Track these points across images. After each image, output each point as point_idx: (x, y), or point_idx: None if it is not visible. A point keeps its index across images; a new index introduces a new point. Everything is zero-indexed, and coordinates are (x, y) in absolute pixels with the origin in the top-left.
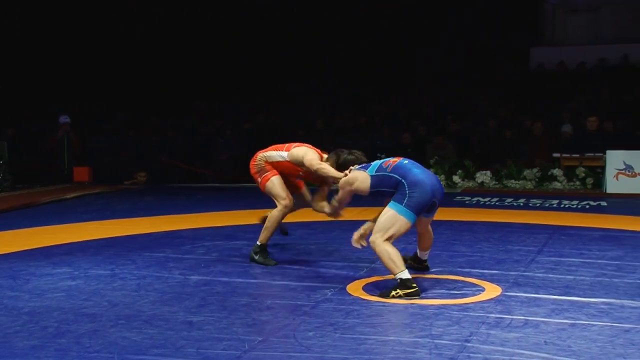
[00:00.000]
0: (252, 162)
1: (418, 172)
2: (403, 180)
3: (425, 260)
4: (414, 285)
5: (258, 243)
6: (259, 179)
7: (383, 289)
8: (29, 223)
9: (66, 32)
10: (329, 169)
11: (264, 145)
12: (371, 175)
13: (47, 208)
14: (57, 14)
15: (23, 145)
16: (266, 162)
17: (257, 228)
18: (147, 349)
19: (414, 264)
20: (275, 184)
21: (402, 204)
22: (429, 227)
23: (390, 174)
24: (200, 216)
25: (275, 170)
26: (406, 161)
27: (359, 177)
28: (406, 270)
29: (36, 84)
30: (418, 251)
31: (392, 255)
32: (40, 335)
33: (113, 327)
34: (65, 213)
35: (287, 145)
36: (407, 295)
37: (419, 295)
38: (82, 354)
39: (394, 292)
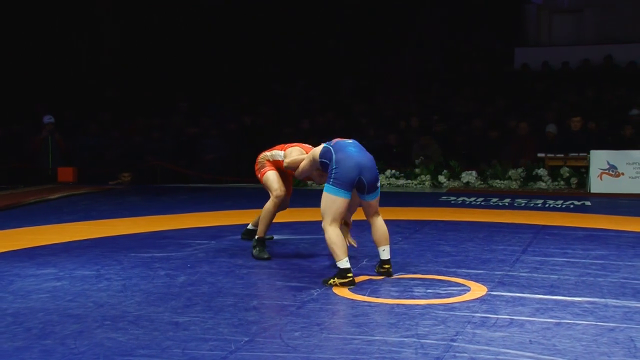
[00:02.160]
0: (256, 160)
1: (352, 150)
2: (333, 156)
3: (385, 261)
4: (349, 275)
5: (256, 237)
6: (259, 175)
7: (369, 289)
8: (13, 224)
9: (50, 32)
10: (293, 157)
11: (250, 146)
12: (324, 146)
13: (31, 208)
14: (41, 13)
15: (7, 145)
16: (268, 160)
17: (243, 228)
18: (132, 349)
19: (378, 268)
20: (269, 177)
21: (329, 183)
22: (377, 219)
23: (330, 147)
24: (186, 216)
25: (273, 166)
26: (350, 141)
27: (317, 148)
28: (345, 259)
29: (20, 84)
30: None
31: (335, 243)
32: (24, 336)
33: (98, 327)
34: (49, 213)
35: (288, 145)
36: (342, 285)
37: (353, 285)
38: (67, 355)
39: (331, 281)
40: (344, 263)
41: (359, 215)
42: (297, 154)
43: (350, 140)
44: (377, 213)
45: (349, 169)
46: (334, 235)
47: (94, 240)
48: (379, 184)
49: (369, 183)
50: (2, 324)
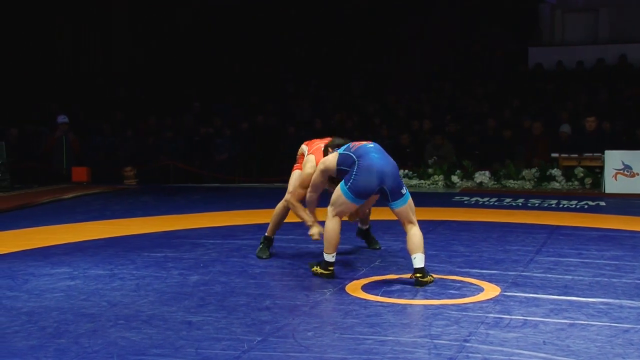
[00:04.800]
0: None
1: (375, 157)
2: (357, 161)
3: (416, 269)
4: (331, 268)
5: (265, 234)
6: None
7: (382, 289)
8: (27, 223)
9: (63, 32)
10: (306, 171)
11: (261, 146)
12: (339, 153)
13: (45, 208)
14: (55, 14)
15: (21, 145)
16: (302, 155)
17: (255, 228)
18: (146, 349)
19: (412, 276)
20: (293, 176)
21: (346, 185)
22: (411, 228)
23: (350, 153)
24: (199, 216)
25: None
26: (371, 145)
27: (329, 157)
28: (333, 254)
29: (33, 84)
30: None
31: (330, 235)
32: (39, 335)
33: (112, 327)
34: (63, 213)
35: (315, 142)
36: (322, 275)
37: (332, 278)
38: (81, 354)
39: (315, 267)
40: (329, 257)
41: (374, 216)
42: (310, 168)
43: (372, 145)
44: (411, 222)
45: (369, 179)
46: (331, 228)
47: (107, 239)
48: (403, 191)
49: (390, 190)
50: (17, 323)
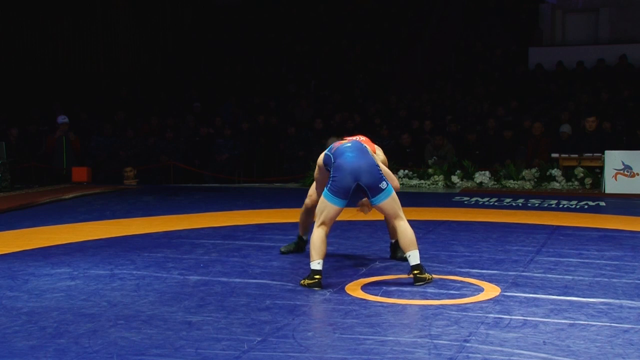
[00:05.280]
0: None
1: (349, 155)
2: (333, 162)
3: (413, 267)
4: (317, 277)
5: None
6: None
7: (382, 289)
8: (28, 223)
9: (65, 33)
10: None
11: (260, 146)
12: (325, 154)
13: (45, 208)
14: (57, 14)
15: (22, 145)
16: None
17: (255, 228)
18: (146, 349)
19: (409, 274)
20: (317, 180)
21: (327, 189)
22: (400, 224)
23: (330, 154)
24: (199, 216)
25: None
26: (348, 144)
27: (320, 156)
28: (317, 261)
29: (35, 84)
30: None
31: (314, 246)
32: (39, 335)
33: (112, 327)
34: (64, 213)
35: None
36: (309, 285)
37: (319, 287)
38: (81, 354)
39: (302, 281)
40: (315, 265)
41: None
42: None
43: (349, 144)
44: (399, 217)
45: (344, 177)
46: (316, 237)
47: (107, 239)
48: (383, 185)
49: (368, 186)
50: (17, 323)
